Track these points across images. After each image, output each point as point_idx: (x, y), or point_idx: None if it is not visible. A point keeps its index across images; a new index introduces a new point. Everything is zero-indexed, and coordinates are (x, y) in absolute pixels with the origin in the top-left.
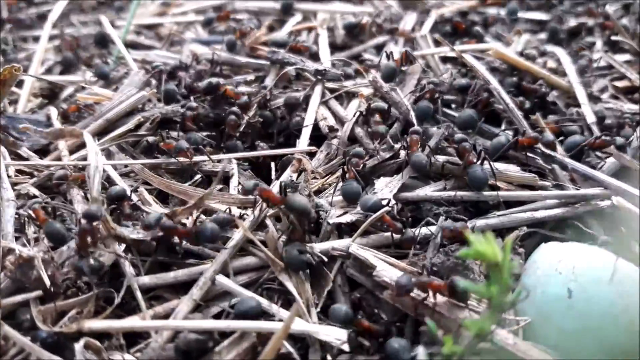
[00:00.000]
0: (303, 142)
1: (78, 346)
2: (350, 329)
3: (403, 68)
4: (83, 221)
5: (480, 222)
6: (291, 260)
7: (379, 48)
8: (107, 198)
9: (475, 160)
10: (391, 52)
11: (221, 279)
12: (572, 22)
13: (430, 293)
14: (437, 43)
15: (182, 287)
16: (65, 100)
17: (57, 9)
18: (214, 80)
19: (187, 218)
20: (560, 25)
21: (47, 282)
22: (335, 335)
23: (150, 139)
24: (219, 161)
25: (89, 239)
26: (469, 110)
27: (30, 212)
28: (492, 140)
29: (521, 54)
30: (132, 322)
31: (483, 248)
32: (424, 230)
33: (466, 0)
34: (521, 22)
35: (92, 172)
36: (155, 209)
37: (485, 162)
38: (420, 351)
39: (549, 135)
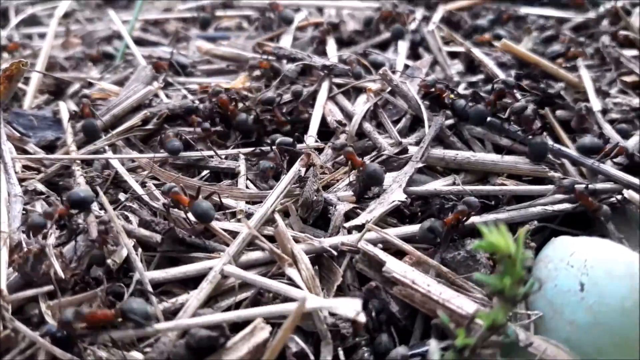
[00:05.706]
0: (310, 138)
1: None
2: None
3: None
4: None
5: (489, 216)
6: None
7: (383, 45)
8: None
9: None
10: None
11: (230, 268)
12: (579, 18)
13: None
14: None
15: (191, 282)
16: (71, 96)
17: (63, 5)
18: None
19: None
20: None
21: (61, 273)
22: (351, 307)
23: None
24: (226, 157)
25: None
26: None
27: None
28: None
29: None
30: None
31: (496, 239)
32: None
33: None
34: (530, 19)
35: None
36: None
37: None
38: (433, 344)
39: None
